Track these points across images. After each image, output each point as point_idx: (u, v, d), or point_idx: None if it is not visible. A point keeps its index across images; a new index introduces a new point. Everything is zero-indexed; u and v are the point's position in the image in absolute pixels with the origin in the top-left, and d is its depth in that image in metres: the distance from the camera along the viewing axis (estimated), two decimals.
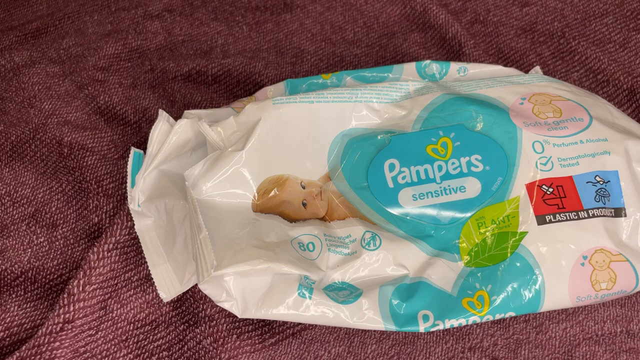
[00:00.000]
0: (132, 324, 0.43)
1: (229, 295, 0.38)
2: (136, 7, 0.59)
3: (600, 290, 0.39)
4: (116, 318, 0.43)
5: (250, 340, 0.42)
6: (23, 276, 0.45)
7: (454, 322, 0.39)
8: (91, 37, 0.57)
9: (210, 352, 0.42)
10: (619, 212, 0.40)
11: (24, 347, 0.41)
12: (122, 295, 0.44)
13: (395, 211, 0.41)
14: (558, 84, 0.46)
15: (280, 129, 0.42)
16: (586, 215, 0.40)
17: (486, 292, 0.39)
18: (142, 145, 0.51)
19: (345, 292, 0.39)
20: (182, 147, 0.43)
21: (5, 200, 0.48)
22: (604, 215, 0.40)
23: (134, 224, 0.44)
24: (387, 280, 0.40)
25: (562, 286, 0.39)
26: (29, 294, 0.45)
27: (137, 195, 0.42)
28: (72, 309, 0.42)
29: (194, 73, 0.55)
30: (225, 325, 0.42)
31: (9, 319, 0.44)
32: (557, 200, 0.40)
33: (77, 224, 0.47)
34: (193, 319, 0.43)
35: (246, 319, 0.43)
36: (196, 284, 0.44)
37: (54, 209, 0.48)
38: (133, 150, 0.46)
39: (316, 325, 0.43)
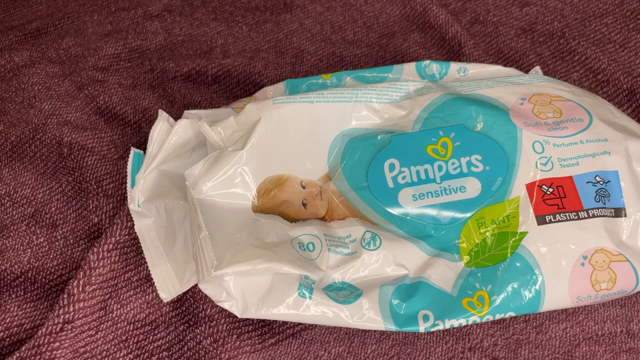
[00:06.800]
0: (132, 324, 0.43)
1: (229, 295, 0.38)
2: (136, 7, 0.59)
3: (600, 291, 0.39)
4: (116, 318, 0.43)
5: (250, 341, 0.42)
6: (23, 276, 0.45)
7: (454, 322, 0.39)
8: (91, 37, 0.57)
9: (210, 352, 0.42)
10: (619, 212, 0.40)
11: (24, 348, 0.41)
12: (122, 296, 0.44)
13: (395, 211, 0.41)
14: (558, 84, 0.46)
15: (280, 129, 0.42)
16: (586, 216, 0.40)
17: (486, 292, 0.39)
18: (142, 145, 0.51)
19: (345, 292, 0.39)
20: (182, 147, 0.43)
21: (5, 201, 0.48)
22: (604, 215, 0.40)
23: (134, 224, 0.44)
24: (387, 280, 0.40)
25: (562, 286, 0.39)
26: (29, 294, 0.45)
27: (137, 195, 0.42)
28: (72, 309, 0.42)
29: (194, 73, 0.55)
30: (225, 325, 0.42)
31: (8, 319, 0.44)
32: (557, 200, 0.40)
33: (77, 224, 0.47)
34: (193, 319, 0.43)
35: (246, 319, 0.43)
36: (196, 284, 0.44)
37: (53, 209, 0.48)
38: (133, 150, 0.46)
39: (316, 326, 0.43)
